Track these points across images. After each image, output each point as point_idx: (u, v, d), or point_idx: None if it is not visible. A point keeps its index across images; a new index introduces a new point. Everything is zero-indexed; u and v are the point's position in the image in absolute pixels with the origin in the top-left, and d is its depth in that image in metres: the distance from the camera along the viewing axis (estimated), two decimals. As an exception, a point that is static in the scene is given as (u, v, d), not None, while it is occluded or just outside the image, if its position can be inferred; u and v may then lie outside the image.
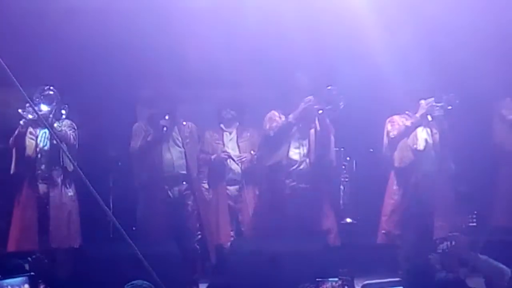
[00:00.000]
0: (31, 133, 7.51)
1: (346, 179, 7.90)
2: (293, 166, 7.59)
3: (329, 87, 7.35)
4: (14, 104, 8.02)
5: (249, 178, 8.09)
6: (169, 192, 7.68)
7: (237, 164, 8.09)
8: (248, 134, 8.19)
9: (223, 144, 8.12)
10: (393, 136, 7.67)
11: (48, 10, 7.99)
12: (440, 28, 7.97)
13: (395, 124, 7.73)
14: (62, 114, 7.55)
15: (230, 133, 8.22)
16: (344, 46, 7.95)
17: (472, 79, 7.84)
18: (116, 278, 5.48)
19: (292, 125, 7.60)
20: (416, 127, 7.67)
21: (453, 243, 6.62)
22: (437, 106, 7.51)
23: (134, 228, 8.05)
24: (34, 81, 7.33)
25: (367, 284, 3.11)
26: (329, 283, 5.69)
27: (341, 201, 7.74)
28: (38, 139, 7.51)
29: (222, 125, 8.21)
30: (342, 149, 7.93)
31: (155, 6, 8.02)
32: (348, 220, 7.70)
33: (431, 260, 6.56)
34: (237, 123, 8.23)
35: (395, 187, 7.65)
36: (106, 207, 5.81)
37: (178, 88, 8.28)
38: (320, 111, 7.35)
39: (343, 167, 7.83)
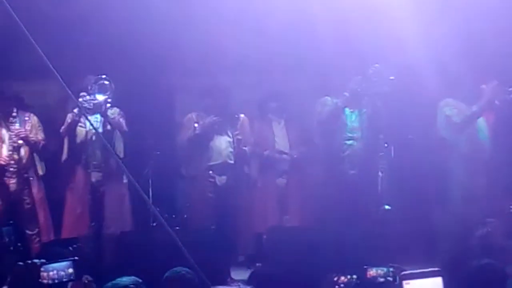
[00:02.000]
0: (81, 121, 7.63)
1: (385, 166, 7.84)
2: (345, 151, 7.61)
3: (376, 65, 7.35)
4: (56, 95, 8.19)
5: (297, 169, 8.10)
6: (216, 181, 7.74)
7: (287, 157, 8.10)
8: (296, 124, 8.20)
9: (273, 134, 8.12)
10: (458, 122, 7.48)
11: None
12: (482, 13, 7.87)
13: (455, 109, 7.59)
14: (108, 102, 7.65)
15: (279, 123, 8.22)
16: (385, 30, 7.89)
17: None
18: (158, 264, 5.56)
19: (342, 109, 7.56)
20: (483, 112, 7.44)
21: (489, 229, 6.54)
22: (507, 91, 7.33)
23: (173, 216, 8.14)
24: (75, 71, 7.43)
25: (406, 274, 3.09)
26: (374, 270, 5.67)
27: (379, 188, 7.71)
28: (88, 127, 7.59)
29: (270, 115, 8.21)
30: (381, 135, 7.89)
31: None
32: (387, 207, 7.66)
33: (471, 247, 6.52)
34: (284, 114, 8.24)
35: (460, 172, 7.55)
36: (145, 196, 5.91)
37: (222, 77, 8.34)
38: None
39: (381, 153, 7.78)
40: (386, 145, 7.74)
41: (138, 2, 8.06)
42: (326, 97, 7.76)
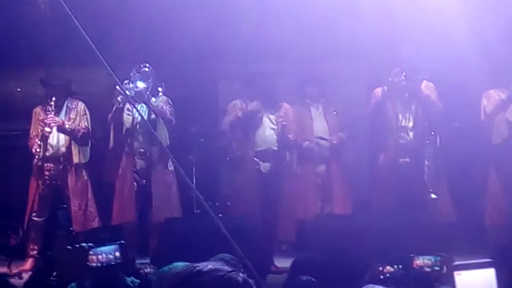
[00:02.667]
0: (128, 109, 7.67)
1: (431, 154, 7.77)
2: (399, 140, 7.60)
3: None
4: (103, 83, 8.26)
5: (337, 157, 8.09)
6: (260, 167, 7.75)
7: (326, 143, 8.09)
8: (334, 109, 8.16)
9: (312, 120, 8.11)
10: (489, 111, 7.49)
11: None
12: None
13: (491, 99, 7.53)
14: (158, 92, 7.68)
15: (317, 109, 8.19)
16: (432, 21, 7.81)
17: None
18: (202, 251, 5.59)
19: (385, 100, 7.55)
20: None
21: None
22: None
23: (216, 203, 8.17)
24: (121, 59, 7.49)
25: (458, 264, 3.03)
26: (421, 259, 5.60)
27: (425, 177, 7.63)
28: (135, 115, 7.65)
29: (308, 100, 8.19)
30: (426, 124, 7.82)
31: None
32: (433, 196, 7.58)
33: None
34: (322, 99, 8.21)
35: (496, 165, 7.51)
36: (191, 183, 5.94)
37: (256, 63, 8.32)
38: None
39: (427, 141, 7.71)
40: (432, 133, 7.65)
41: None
42: (378, 88, 7.71)
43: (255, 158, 7.69)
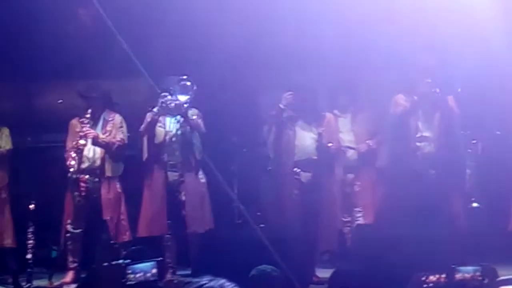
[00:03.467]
0: (160, 121, 7.66)
1: (473, 163, 7.69)
2: (420, 150, 7.51)
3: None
4: (142, 93, 8.30)
5: (366, 165, 8.03)
6: (301, 177, 7.71)
7: (354, 152, 8.03)
8: (363, 118, 8.10)
9: (338, 130, 8.06)
10: None
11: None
12: None
13: None
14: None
15: (345, 118, 8.15)
16: (465, 25, 7.73)
17: None
18: (243, 262, 5.58)
19: (413, 111, 7.49)
20: None
21: None
22: None
23: (258, 213, 8.14)
24: (159, 70, 7.52)
25: (503, 279, 2.97)
26: (463, 270, 5.53)
27: (467, 186, 7.54)
28: (168, 127, 7.65)
29: (336, 111, 8.14)
30: (468, 132, 7.72)
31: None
32: (475, 204, 7.49)
33: None
34: (352, 108, 8.16)
35: None
36: (233, 194, 5.93)
37: (291, 74, 8.31)
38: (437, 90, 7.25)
39: (469, 150, 7.61)
40: (474, 141, 7.56)
41: (219, 1, 8.11)
42: (400, 95, 7.64)
43: (295, 169, 7.64)
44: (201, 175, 7.69)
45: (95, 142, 7.67)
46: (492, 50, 7.64)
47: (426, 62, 7.53)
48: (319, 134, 7.64)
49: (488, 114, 7.89)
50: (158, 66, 7.68)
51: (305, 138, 7.71)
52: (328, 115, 7.83)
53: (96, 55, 8.41)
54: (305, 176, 7.68)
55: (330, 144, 7.65)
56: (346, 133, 8.07)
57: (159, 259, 6.00)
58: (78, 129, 7.70)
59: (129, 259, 5.80)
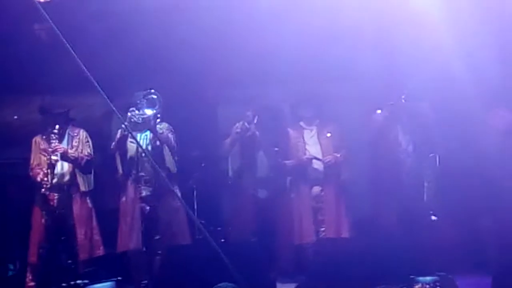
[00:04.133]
0: (131, 137, 7.61)
1: (430, 176, 7.75)
2: (402, 164, 7.63)
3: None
4: (101, 109, 8.22)
5: (332, 178, 8.04)
6: (258, 193, 7.70)
7: (321, 164, 8.04)
8: (329, 131, 8.13)
9: (304, 143, 8.07)
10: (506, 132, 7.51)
11: (125, 10, 8.12)
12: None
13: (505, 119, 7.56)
14: (158, 117, 7.67)
15: (311, 131, 8.16)
16: (426, 41, 7.82)
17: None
18: (203, 279, 5.53)
19: (389, 125, 7.56)
20: None
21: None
22: None
23: (218, 229, 8.10)
24: (116, 83, 7.47)
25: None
26: (420, 284, 5.58)
27: (424, 198, 7.61)
28: (139, 142, 7.61)
29: (302, 123, 8.16)
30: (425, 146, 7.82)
31: (227, 3, 8.05)
32: (433, 217, 7.55)
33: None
34: (318, 120, 8.18)
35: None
36: (189, 210, 5.88)
37: (254, 86, 8.32)
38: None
39: (426, 163, 7.69)
40: (431, 154, 7.63)
41: (180, 15, 8.09)
42: (378, 110, 7.71)
43: (252, 185, 7.66)
44: (176, 189, 7.63)
45: (65, 157, 7.63)
46: (449, 62, 7.74)
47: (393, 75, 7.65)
48: (276, 152, 7.65)
49: (445, 127, 7.96)
50: (118, 80, 7.64)
51: (263, 155, 7.72)
52: (291, 131, 7.84)
53: (51, 71, 8.32)
54: (262, 193, 7.68)
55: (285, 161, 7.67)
56: (313, 146, 8.09)
57: (118, 278, 5.93)
58: (43, 146, 7.66)
59: (88, 279, 5.73)
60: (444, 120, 7.98)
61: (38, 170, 7.60)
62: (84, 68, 4.92)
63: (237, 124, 7.89)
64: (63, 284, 5.71)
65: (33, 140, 7.76)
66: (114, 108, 4.88)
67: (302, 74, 8.56)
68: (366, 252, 6.79)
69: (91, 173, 7.82)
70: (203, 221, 7.65)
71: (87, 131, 7.91)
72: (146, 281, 7.46)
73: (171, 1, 8.08)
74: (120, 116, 6.14)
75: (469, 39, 7.58)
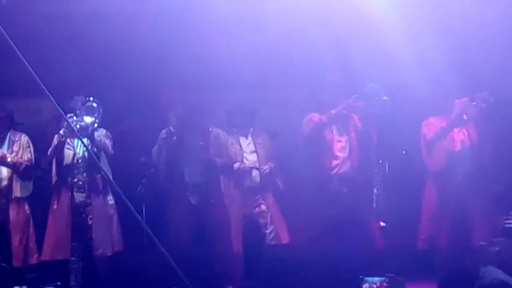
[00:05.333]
0: (68, 143, 7.57)
1: (380, 182, 7.83)
2: (334, 169, 7.59)
3: (370, 84, 7.35)
4: (48, 113, 8.09)
5: (269, 186, 8.05)
6: (191, 199, 7.68)
7: (257, 172, 8.03)
8: (262, 139, 8.13)
9: (242, 151, 8.06)
10: (429, 139, 7.59)
11: (75, 14, 8.03)
12: (469, 28, 7.87)
13: (431, 126, 7.66)
14: (95, 124, 7.56)
15: (246, 138, 8.16)
16: (372, 48, 7.88)
17: (504, 78, 7.73)
18: (151, 286, 5.49)
19: (327, 125, 7.56)
20: (452, 128, 7.59)
21: (498, 248, 6.52)
22: (472, 105, 7.44)
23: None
24: (63, 87, 7.36)
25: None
26: (368, 284, 5.63)
27: (374, 205, 7.67)
28: (76, 149, 7.56)
29: (235, 129, 8.15)
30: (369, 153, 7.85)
31: (176, 9, 8.03)
32: (382, 223, 7.62)
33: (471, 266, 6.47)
34: (251, 128, 8.18)
35: (433, 191, 7.58)
36: (138, 215, 5.79)
37: (197, 91, 8.30)
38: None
39: (376, 170, 7.75)
40: (380, 161, 7.69)
41: (136, 19, 8.04)
42: (313, 113, 7.71)
43: (185, 192, 7.62)
44: (109, 196, 7.56)
45: (2, 162, 7.52)
46: (397, 71, 7.82)
47: (335, 81, 7.66)
48: (201, 147, 7.62)
49: (394, 133, 8.04)
50: (65, 86, 7.53)
51: (196, 160, 7.68)
52: (216, 130, 7.83)
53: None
54: (194, 198, 7.65)
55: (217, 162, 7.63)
56: (250, 154, 8.08)
57: (57, 283, 5.86)
58: None
59: (28, 284, 5.64)
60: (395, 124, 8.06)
61: None
62: (32, 70, 4.85)
63: (163, 130, 7.85)
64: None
65: None
66: (62, 112, 4.79)
67: (238, 80, 8.55)
68: (312, 257, 6.82)
69: (30, 179, 7.73)
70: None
71: (31, 135, 7.79)
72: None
73: (129, 5, 8.03)
74: (68, 121, 6.06)
75: (423, 44, 7.67)
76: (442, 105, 7.69)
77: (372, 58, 7.85)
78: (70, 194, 7.54)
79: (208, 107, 7.96)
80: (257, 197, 8.03)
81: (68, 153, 7.56)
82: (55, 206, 7.56)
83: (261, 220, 7.98)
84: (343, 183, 7.56)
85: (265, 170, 8.03)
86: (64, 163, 7.54)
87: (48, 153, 7.57)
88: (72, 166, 7.56)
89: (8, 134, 7.72)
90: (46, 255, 7.49)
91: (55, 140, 7.49)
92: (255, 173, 8.05)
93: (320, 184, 7.64)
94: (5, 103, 7.87)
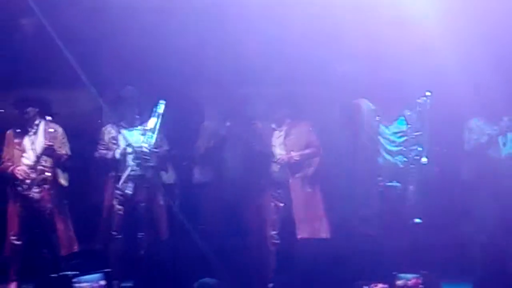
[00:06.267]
0: (113, 137, 7.69)
1: (415, 178, 7.78)
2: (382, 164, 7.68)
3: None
4: (84, 104, 8.19)
5: (296, 178, 8.02)
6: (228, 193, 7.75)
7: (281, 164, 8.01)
8: (296, 131, 8.11)
9: (272, 145, 8.06)
10: (482, 142, 7.59)
11: (113, 7, 8.12)
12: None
13: (478, 128, 7.64)
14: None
15: (280, 131, 8.15)
16: (408, 42, 7.86)
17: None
18: (184, 275, 5.53)
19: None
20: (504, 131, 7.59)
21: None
22: None
23: (201, 226, 8.10)
24: (100, 80, 7.46)
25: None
26: (402, 280, 5.63)
27: (409, 201, 7.63)
28: (124, 142, 7.68)
29: (273, 125, 8.16)
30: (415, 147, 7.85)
31: (208, 3, 8.07)
32: (417, 220, 7.57)
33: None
34: (288, 121, 8.17)
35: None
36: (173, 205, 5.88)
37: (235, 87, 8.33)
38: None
39: (412, 166, 7.71)
40: (417, 157, 7.66)
41: (167, 13, 8.09)
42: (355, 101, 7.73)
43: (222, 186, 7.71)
44: (157, 189, 7.70)
45: (48, 152, 7.60)
46: (443, 64, 7.78)
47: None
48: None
49: (432, 129, 8.01)
50: (105, 76, 7.63)
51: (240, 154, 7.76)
52: (259, 123, 7.82)
53: (39, 65, 8.30)
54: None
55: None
56: (278, 147, 8.07)
57: (107, 270, 5.95)
58: (17, 140, 7.63)
59: (75, 270, 5.75)
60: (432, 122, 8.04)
61: (9, 164, 7.59)
62: (74, 63, 4.93)
63: (204, 123, 7.93)
64: (52, 275, 5.71)
65: (7, 133, 7.73)
66: (103, 104, 4.87)
67: (279, 73, 8.56)
68: (346, 251, 6.82)
69: (67, 169, 7.80)
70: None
71: (69, 126, 7.88)
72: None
73: (162, 1, 8.10)
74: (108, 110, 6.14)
75: (460, 42, 7.63)
76: (485, 105, 7.63)
77: (409, 52, 7.83)
78: (120, 185, 7.63)
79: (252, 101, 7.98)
80: (280, 190, 8.02)
81: (115, 147, 7.68)
82: (106, 197, 7.68)
83: (287, 214, 7.97)
84: (390, 177, 7.62)
85: (280, 159, 8.00)
86: (114, 154, 7.66)
87: (100, 142, 7.71)
88: (123, 158, 7.65)
89: (42, 125, 7.75)
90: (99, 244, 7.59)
91: (109, 132, 7.65)
92: (276, 166, 8.05)
93: (366, 178, 7.66)
94: (40, 94, 7.90)
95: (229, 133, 7.85)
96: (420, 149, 7.65)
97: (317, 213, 7.92)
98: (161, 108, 7.64)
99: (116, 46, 8.38)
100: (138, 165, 7.59)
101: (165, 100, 7.78)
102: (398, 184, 7.63)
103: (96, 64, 7.62)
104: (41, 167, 7.64)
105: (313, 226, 7.86)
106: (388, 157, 7.74)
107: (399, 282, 5.97)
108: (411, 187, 7.63)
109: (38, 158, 7.62)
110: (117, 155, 7.65)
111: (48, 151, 7.60)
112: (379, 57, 7.99)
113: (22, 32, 8.72)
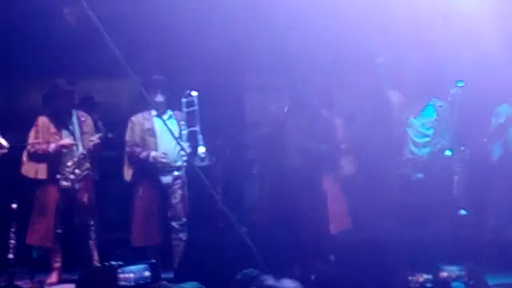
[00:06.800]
0: (149, 129, 7.71)
1: (459, 168, 7.67)
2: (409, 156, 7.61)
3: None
4: (126, 94, 8.23)
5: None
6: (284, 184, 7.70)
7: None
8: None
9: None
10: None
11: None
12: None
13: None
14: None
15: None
16: (452, 33, 7.75)
17: None
18: (227, 266, 5.52)
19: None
20: None
21: None
22: None
23: (242, 218, 8.09)
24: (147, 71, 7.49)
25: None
26: (447, 272, 5.56)
27: (454, 192, 7.54)
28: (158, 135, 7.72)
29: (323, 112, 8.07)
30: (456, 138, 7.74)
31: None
32: (463, 212, 7.48)
33: None
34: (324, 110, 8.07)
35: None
36: (217, 196, 5.86)
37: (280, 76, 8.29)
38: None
39: (456, 156, 7.61)
40: (462, 148, 7.56)
41: (215, 2, 8.09)
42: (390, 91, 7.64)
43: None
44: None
45: (96, 150, 7.68)
46: (488, 54, 7.65)
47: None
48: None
49: (476, 121, 7.91)
50: (145, 66, 7.65)
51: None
52: (324, 112, 7.75)
53: (82, 55, 8.35)
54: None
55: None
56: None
57: (152, 261, 5.97)
58: (52, 130, 7.63)
59: (120, 260, 5.77)
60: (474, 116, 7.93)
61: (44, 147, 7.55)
62: (118, 53, 4.92)
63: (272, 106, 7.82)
64: (97, 265, 5.75)
65: (40, 119, 7.67)
66: (147, 95, 4.85)
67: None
68: (389, 241, 6.76)
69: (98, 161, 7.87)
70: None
71: (110, 116, 7.96)
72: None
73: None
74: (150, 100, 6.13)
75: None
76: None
77: (452, 41, 7.73)
78: (156, 178, 7.67)
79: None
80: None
81: (150, 140, 7.72)
82: (140, 191, 7.70)
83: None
84: (417, 168, 7.44)
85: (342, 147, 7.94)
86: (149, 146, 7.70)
87: (127, 139, 7.73)
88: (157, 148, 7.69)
89: (74, 114, 7.75)
90: (136, 242, 7.61)
91: (143, 124, 7.69)
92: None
93: (392, 169, 7.56)
94: (77, 82, 7.89)
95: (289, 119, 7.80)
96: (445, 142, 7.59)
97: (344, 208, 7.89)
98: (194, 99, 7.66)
99: (163, 37, 8.42)
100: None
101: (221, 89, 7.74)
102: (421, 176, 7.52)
103: (139, 55, 7.65)
104: (86, 164, 7.67)
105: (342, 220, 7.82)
106: (414, 149, 7.63)
107: (443, 274, 5.88)
108: (456, 177, 7.55)
109: (85, 155, 7.64)
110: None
111: (95, 149, 7.65)
112: (422, 46, 7.91)
113: (64, 22, 8.80)
